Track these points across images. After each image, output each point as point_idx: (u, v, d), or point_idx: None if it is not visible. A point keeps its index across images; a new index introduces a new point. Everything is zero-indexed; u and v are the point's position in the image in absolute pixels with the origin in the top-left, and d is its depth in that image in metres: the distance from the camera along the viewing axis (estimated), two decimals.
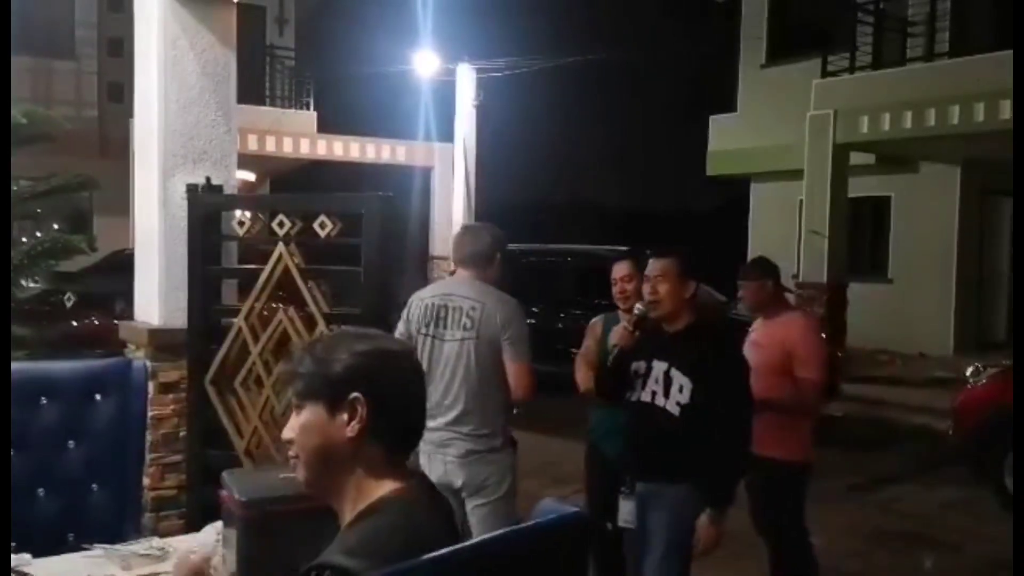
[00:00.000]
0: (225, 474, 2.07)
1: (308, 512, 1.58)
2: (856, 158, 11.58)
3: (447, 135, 16.19)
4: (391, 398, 1.37)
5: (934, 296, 12.56)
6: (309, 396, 1.38)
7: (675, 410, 3.01)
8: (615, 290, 3.76)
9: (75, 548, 2.26)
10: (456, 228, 15.83)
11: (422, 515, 1.33)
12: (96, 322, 7.80)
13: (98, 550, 2.19)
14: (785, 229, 13.64)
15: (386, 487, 1.35)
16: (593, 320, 3.96)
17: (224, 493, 2.01)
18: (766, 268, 3.90)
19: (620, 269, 3.77)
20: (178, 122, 3.99)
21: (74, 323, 7.97)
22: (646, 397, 3.09)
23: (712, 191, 17.07)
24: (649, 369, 3.09)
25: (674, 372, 3.02)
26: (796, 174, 11.94)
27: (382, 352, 1.40)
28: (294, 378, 1.40)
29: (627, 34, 20.69)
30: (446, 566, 1.23)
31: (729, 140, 15.07)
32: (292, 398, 1.41)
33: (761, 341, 3.75)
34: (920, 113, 9.97)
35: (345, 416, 1.35)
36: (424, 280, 16.24)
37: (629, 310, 3.68)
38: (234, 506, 1.96)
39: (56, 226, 13.51)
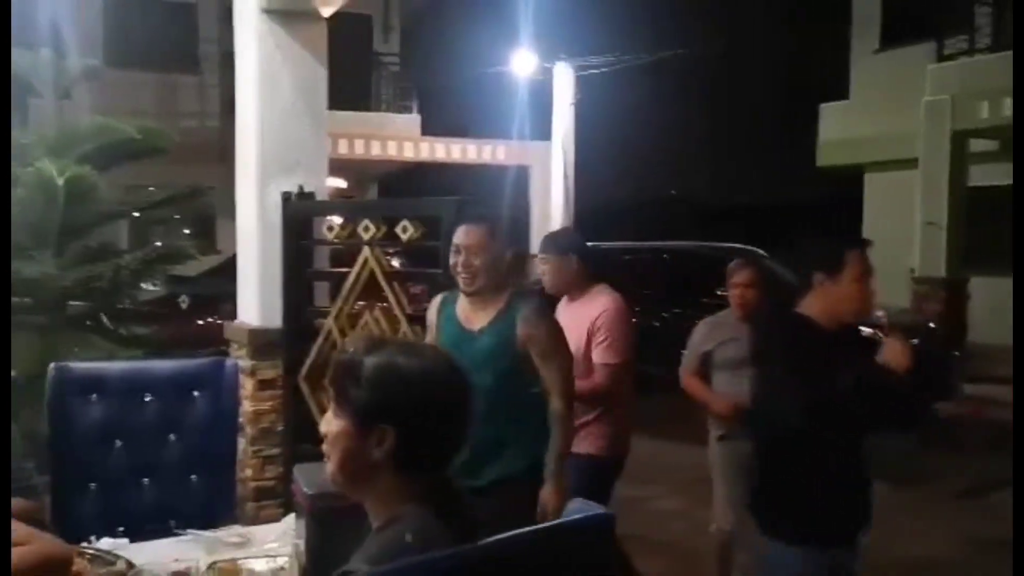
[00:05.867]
0: (296, 468, 2.20)
1: None
2: (978, 145, 10.96)
3: (545, 133, 16.27)
4: (424, 434, 1.38)
5: None
6: (345, 408, 1.40)
7: None
8: (733, 294, 3.66)
9: (172, 534, 2.45)
10: (555, 226, 15.93)
11: (441, 525, 1.35)
12: (217, 322, 8.29)
13: (188, 535, 2.37)
14: (902, 222, 13.02)
15: (409, 497, 1.38)
16: (434, 300, 3.06)
17: (294, 486, 2.14)
18: (566, 242, 3.47)
19: (741, 275, 3.65)
20: (274, 133, 4.23)
21: (199, 322, 8.50)
22: None
23: (822, 183, 16.46)
24: None
25: None
26: (913, 163, 11.41)
27: (426, 387, 1.38)
28: (337, 380, 1.43)
29: (729, 23, 20.19)
30: (469, 561, 1.29)
31: (841, 129, 14.52)
32: (332, 398, 1.44)
33: (568, 325, 3.15)
34: None
35: (373, 440, 1.37)
36: (523, 279, 16.32)
37: (745, 317, 3.63)
38: (302, 499, 2.08)
39: (186, 231, 14.48)
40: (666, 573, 4.44)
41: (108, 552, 2.11)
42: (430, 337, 2.92)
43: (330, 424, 1.43)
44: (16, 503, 2.14)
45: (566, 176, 15.80)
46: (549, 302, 3.33)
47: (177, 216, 14.39)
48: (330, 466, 1.44)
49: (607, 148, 18.25)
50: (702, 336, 3.80)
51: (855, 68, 14.56)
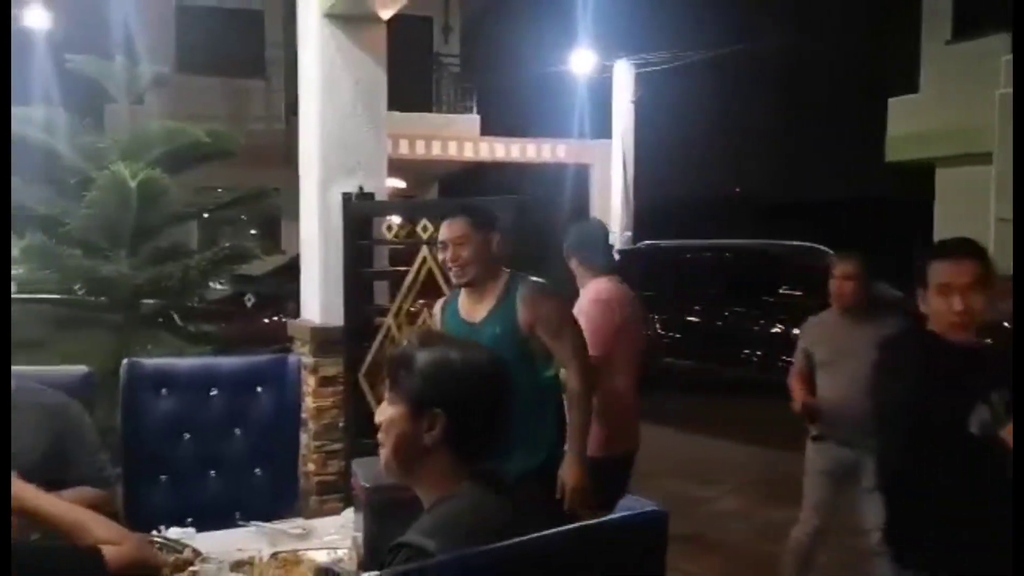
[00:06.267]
0: (355, 462, 2.25)
1: None
2: None
3: (605, 132, 16.19)
4: (472, 419, 1.46)
5: None
6: (399, 394, 1.49)
7: None
8: (832, 286, 3.55)
9: (237, 525, 2.52)
10: (614, 225, 15.85)
11: (492, 505, 1.42)
12: (281, 320, 8.51)
13: (252, 527, 2.44)
14: (975, 218, 12.59)
15: (460, 480, 1.45)
16: (437, 303, 3.12)
17: (353, 479, 2.19)
18: (569, 235, 3.41)
19: (840, 267, 3.56)
20: (335, 135, 4.31)
21: (263, 321, 8.73)
22: None
23: (891, 179, 16.02)
24: None
25: None
26: (986, 158, 11.03)
27: (475, 375, 1.47)
28: (392, 370, 1.52)
29: (793, 16, 19.77)
30: (518, 553, 1.30)
31: (911, 123, 14.09)
32: (387, 386, 1.52)
33: None
34: None
35: (425, 424, 1.45)
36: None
37: (846, 309, 3.50)
38: (360, 492, 2.13)
39: (253, 231, 14.87)
40: (718, 574, 4.39)
41: (176, 541, 2.19)
42: None
43: (385, 412, 1.51)
44: (88, 493, 2.24)
45: (626, 174, 15.69)
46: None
47: (244, 217, 14.77)
48: (384, 451, 1.50)
49: (668, 146, 18.07)
50: (803, 334, 3.76)
51: (926, 60, 14.11)
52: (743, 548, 4.70)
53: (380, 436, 1.51)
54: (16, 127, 4.62)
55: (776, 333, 8.20)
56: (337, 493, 4.21)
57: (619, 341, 3.22)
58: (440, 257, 2.79)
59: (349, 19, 4.30)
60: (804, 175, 21.26)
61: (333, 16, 4.28)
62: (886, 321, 3.39)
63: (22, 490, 1.59)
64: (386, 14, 4.32)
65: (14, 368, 2.48)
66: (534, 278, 2.80)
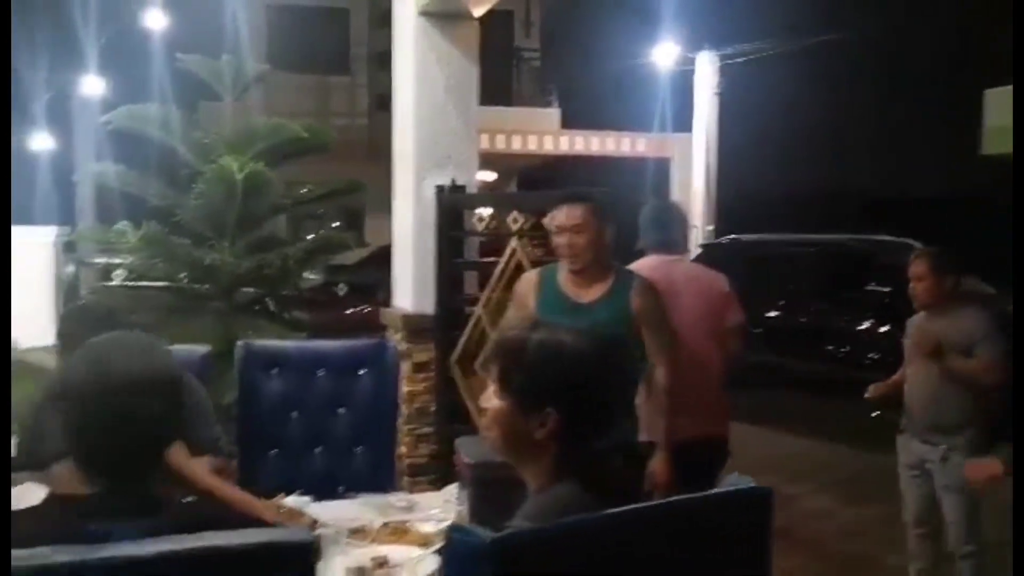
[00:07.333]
0: (458, 440, 2.38)
1: None
2: None
3: (687, 125, 16.03)
4: (583, 416, 1.45)
5: None
6: (509, 390, 1.47)
7: None
8: (910, 287, 3.52)
9: (343, 497, 2.68)
10: (695, 219, 15.64)
11: (593, 494, 1.42)
12: (368, 309, 8.77)
13: (361, 499, 2.59)
14: None
15: (567, 469, 1.46)
16: (527, 275, 3.13)
17: (456, 456, 2.31)
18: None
19: (913, 267, 3.52)
20: (428, 129, 4.45)
21: (349, 311, 9.00)
22: None
23: (989, 172, 15.40)
24: None
25: None
26: None
27: (588, 374, 1.45)
28: (501, 362, 1.50)
29: (886, 3, 19.12)
30: (626, 521, 1.37)
31: (1010, 114, 13.50)
32: (495, 378, 1.50)
33: None
34: None
35: (536, 421, 1.44)
36: None
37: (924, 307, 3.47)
38: (464, 468, 2.24)
39: (336, 224, 15.25)
40: (805, 572, 4.37)
41: (296, 509, 2.35)
42: (517, 312, 2.92)
43: (490, 401, 1.50)
44: (214, 460, 2.42)
45: (708, 168, 15.50)
46: None
47: (322, 211, 15.15)
48: (492, 436, 1.51)
49: (752, 139, 17.76)
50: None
51: None
52: (829, 547, 4.67)
53: (485, 422, 1.51)
54: (132, 123, 4.91)
55: (862, 330, 8.04)
56: (427, 475, 4.36)
57: None
58: (554, 242, 2.82)
59: (443, 16, 4.43)
60: (897, 170, 20.60)
61: (428, 14, 4.41)
62: (962, 320, 3.38)
63: (216, 481, 1.74)
64: (479, 11, 4.43)
65: None
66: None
